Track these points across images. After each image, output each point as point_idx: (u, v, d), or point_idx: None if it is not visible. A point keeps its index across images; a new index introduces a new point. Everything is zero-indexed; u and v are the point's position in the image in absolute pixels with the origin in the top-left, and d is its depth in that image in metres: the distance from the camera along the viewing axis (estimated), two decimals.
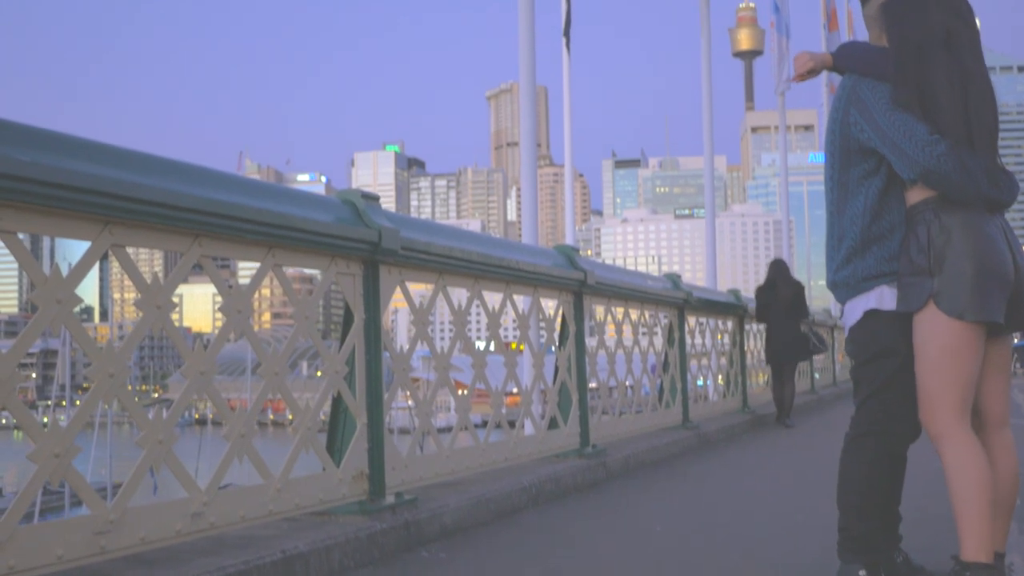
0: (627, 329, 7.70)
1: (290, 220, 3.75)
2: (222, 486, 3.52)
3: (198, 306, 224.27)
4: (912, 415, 3.24)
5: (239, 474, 5.31)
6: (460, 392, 5.20)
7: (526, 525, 4.96)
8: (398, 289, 4.63)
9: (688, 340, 9.35)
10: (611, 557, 4.26)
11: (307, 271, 4.27)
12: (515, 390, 5.96)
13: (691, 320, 9.66)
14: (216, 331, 5.30)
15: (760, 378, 12.84)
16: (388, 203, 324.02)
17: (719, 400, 10.84)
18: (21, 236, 2.91)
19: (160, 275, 3.62)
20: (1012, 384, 5.36)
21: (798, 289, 11.34)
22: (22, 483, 3.52)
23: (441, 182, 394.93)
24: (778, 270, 11.51)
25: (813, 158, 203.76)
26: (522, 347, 6.57)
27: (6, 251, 2.93)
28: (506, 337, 6.05)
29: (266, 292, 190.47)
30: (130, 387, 3.30)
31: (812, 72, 3.60)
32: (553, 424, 6.23)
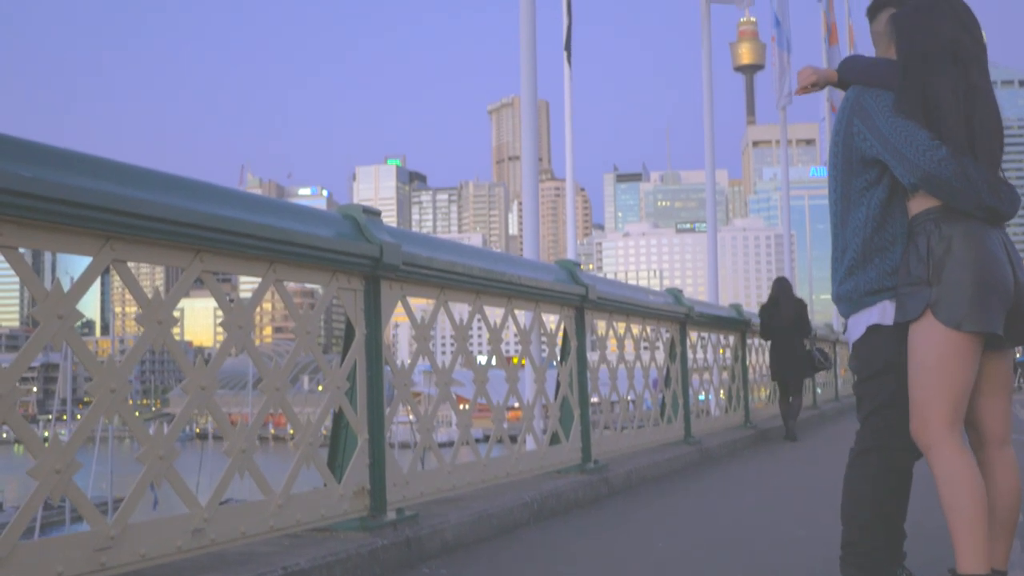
0: (629, 344, 7.69)
1: (291, 235, 3.75)
2: (223, 501, 3.51)
3: (199, 320, 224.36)
4: None
5: (240, 489, 5.29)
6: (461, 407, 5.19)
7: (528, 541, 4.94)
8: (399, 304, 4.62)
9: (690, 355, 9.34)
10: (613, 573, 4.25)
11: (308, 285, 4.26)
12: (516, 405, 5.94)
13: (693, 335, 9.66)
14: (217, 346, 5.30)
15: (762, 393, 12.85)
16: (389, 216, 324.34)
17: (721, 415, 10.84)
18: (22, 251, 2.91)
19: (161, 290, 3.62)
20: (1014, 399, 5.34)
21: (800, 307, 11.46)
22: (22, 497, 3.52)
23: (443, 196, 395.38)
24: (781, 288, 11.64)
25: (815, 172, 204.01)
26: (524, 362, 6.56)
27: (7, 266, 2.93)
28: (507, 352, 6.05)
29: (267, 306, 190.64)
30: (131, 402, 3.29)
31: (815, 86, 3.60)
32: (555, 439, 6.22)
